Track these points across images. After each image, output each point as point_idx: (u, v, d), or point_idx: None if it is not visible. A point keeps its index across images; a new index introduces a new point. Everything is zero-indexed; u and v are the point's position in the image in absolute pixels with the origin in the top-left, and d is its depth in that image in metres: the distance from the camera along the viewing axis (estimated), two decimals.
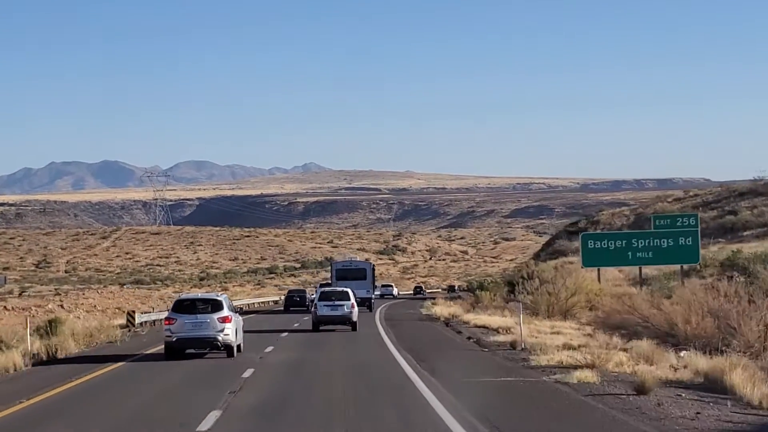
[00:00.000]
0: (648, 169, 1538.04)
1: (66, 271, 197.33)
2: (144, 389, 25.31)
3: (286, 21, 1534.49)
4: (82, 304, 77.22)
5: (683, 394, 21.96)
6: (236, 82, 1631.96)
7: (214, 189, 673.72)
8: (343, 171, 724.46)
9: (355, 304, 47.47)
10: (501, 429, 17.71)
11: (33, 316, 54.28)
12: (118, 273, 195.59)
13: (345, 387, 24.21)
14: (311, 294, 75.31)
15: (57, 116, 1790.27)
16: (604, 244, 48.74)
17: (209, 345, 33.55)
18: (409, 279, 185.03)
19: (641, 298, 36.54)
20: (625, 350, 28.53)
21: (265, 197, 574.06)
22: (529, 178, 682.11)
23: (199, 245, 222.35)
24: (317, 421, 18.80)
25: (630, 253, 49.22)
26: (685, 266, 53.92)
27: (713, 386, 22.81)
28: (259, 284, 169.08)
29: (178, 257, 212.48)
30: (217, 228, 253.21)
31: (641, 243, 49.04)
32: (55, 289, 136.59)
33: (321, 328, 46.69)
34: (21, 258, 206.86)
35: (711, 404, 20.62)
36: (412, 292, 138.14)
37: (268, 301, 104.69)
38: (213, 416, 19.23)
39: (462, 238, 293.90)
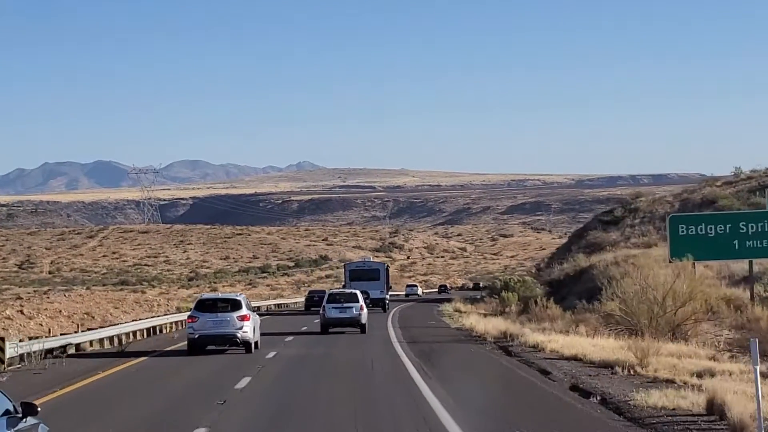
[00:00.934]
0: (643, 165, 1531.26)
1: (50, 272, 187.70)
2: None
3: (279, 19, 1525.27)
4: (46, 309, 67.62)
5: None
6: (229, 81, 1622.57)
7: (208, 188, 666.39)
8: (337, 169, 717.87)
9: (364, 306, 46.65)
10: None
11: None
12: (104, 274, 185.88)
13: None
14: None
15: (50, 116, 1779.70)
16: (702, 230, 35.84)
17: (229, 341, 35.57)
18: (408, 277, 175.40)
19: None
20: None
21: (259, 196, 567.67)
22: (524, 174, 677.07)
23: (189, 244, 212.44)
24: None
25: (737, 242, 36.90)
26: None
27: None
28: (250, 284, 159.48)
29: (167, 257, 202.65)
30: (208, 226, 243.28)
31: (753, 228, 36.18)
32: (34, 291, 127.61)
33: (330, 330, 45.94)
34: (3, 259, 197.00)
35: None
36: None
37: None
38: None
39: (459, 235, 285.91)
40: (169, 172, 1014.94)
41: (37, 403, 12.91)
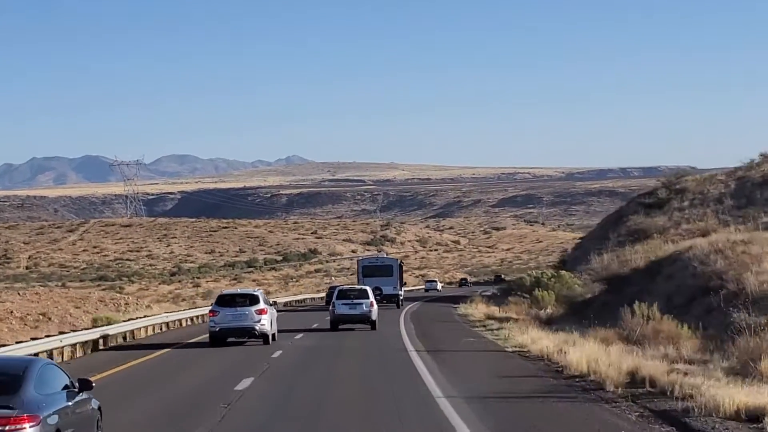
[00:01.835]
0: (633, 157, 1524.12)
1: (27, 267, 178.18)
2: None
3: (268, 16, 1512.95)
4: None
5: None
6: (218, 76, 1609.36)
7: (196, 182, 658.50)
8: (326, 163, 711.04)
9: (375, 302, 45.72)
10: None
11: None
12: (83, 269, 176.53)
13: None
14: None
15: (38, 112, 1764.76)
16: None
17: (248, 334, 37.24)
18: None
19: None
20: None
21: (248, 190, 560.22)
22: (514, 168, 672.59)
23: (173, 238, 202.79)
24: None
25: None
26: None
27: None
28: (235, 279, 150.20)
29: (149, 251, 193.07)
30: (193, 219, 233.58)
31: None
32: (5, 288, 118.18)
33: (340, 327, 45.11)
34: None
35: None
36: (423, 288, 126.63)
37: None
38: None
39: (451, 228, 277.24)
40: (157, 166, 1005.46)
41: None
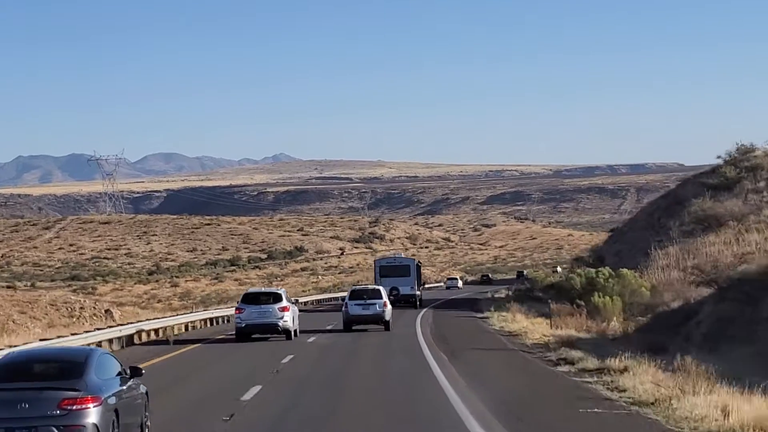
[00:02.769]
0: (620, 155, 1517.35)
1: None
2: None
3: (254, 13, 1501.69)
4: None
5: None
6: (205, 74, 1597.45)
7: (182, 180, 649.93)
8: (313, 161, 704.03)
9: (388, 302, 44.98)
10: None
11: None
12: (58, 267, 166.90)
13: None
14: None
15: (23, 110, 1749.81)
16: None
17: (272, 330, 39.58)
18: None
19: None
20: None
21: (234, 188, 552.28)
22: (501, 165, 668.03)
23: (153, 235, 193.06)
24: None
25: None
26: None
27: None
28: (216, 278, 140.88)
29: (128, 249, 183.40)
30: (174, 216, 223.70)
31: None
32: None
33: (353, 327, 44.61)
34: None
35: None
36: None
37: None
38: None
39: (440, 225, 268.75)
40: (143, 165, 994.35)
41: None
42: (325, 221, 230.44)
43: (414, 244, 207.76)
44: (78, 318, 56.78)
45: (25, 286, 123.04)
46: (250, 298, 40.20)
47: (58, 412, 14.39)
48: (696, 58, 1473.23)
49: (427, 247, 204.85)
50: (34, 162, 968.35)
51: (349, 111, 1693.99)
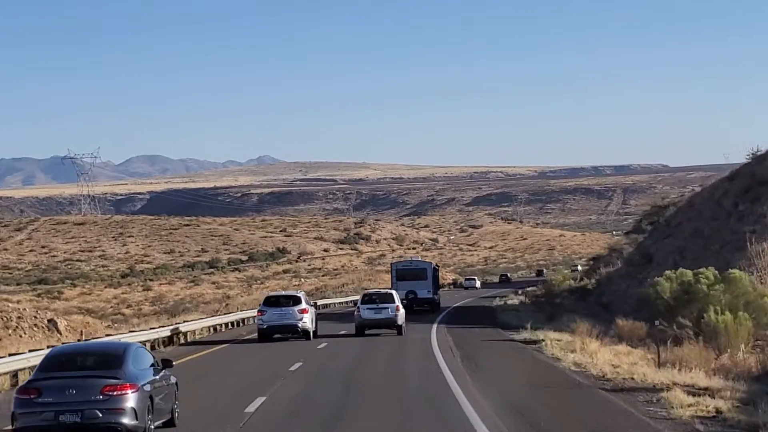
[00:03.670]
0: (605, 156, 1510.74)
1: None
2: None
3: (237, 15, 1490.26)
4: None
5: None
6: (188, 76, 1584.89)
7: (166, 182, 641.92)
8: (298, 163, 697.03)
9: (401, 306, 43.73)
10: None
11: None
12: (28, 270, 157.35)
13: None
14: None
15: (5, 113, 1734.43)
16: None
17: (292, 330, 41.53)
18: (376, 271, 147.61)
19: None
20: None
21: (218, 190, 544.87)
22: (486, 167, 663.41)
23: (129, 237, 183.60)
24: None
25: None
26: None
27: None
28: (193, 281, 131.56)
29: (103, 250, 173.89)
30: (152, 217, 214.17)
31: None
32: None
33: (366, 332, 43.60)
34: None
35: None
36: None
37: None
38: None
39: (426, 226, 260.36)
40: (127, 167, 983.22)
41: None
42: (309, 222, 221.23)
43: (401, 245, 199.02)
44: (15, 330, 47.86)
45: None
46: (272, 301, 42.07)
47: (101, 397, 16.27)
48: (679, 60, 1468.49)
49: (414, 248, 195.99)
50: (16, 165, 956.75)
51: (334, 113, 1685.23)
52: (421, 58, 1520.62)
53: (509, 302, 61.90)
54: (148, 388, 16.94)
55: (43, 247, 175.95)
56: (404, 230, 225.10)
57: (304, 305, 41.62)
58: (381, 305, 43.08)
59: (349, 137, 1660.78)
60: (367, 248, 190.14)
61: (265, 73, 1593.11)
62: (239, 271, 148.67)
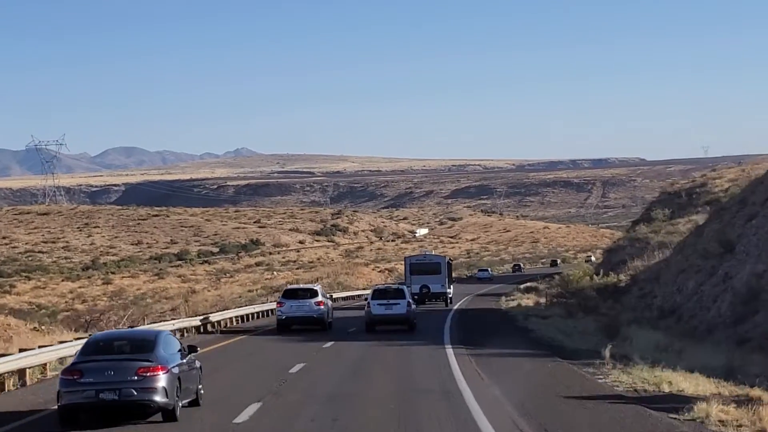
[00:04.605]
0: (583, 149, 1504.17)
1: None
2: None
3: (214, 9, 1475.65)
4: None
5: None
6: (165, 69, 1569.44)
7: (142, 174, 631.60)
8: (275, 155, 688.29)
9: (412, 302, 42.79)
10: None
11: None
12: None
13: None
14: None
15: None
16: None
17: (309, 322, 43.33)
18: (354, 264, 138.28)
19: None
20: None
21: (195, 182, 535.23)
22: (464, 160, 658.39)
23: (95, 227, 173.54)
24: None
25: None
26: None
27: None
28: (158, 275, 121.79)
29: (67, 242, 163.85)
30: (119, 207, 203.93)
31: None
32: None
33: (376, 328, 42.08)
34: None
35: None
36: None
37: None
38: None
39: (405, 218, 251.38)
40: (103, 159, 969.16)
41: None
42: (284, 213, 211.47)
43: (379, 237, 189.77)
44: None
45: None
46: (290, 294, 44.22)
47: (135, 377, 18.07)
48: (655, 54, 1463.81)
49: (393, 241, 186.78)
50: None
51: (312, 106, 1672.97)
52: (399, 50, 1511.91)
53: (523, 302, 51.18)
54: (176, 370, 18.68)
55: (3, 238, 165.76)
56: (383, 222, 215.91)
57: (320, 297, 43.65)
58: (392, 301, 41.84)
59: (327, 130, 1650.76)
60: (345, 240, 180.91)
61: (243, 66, 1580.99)
62: (209, 263, 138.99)
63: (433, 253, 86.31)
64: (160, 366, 18.06)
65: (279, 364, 27.95)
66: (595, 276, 44.81)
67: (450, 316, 50.03)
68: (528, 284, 73.88)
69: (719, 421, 16.61)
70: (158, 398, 17.94)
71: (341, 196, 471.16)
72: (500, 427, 17.08)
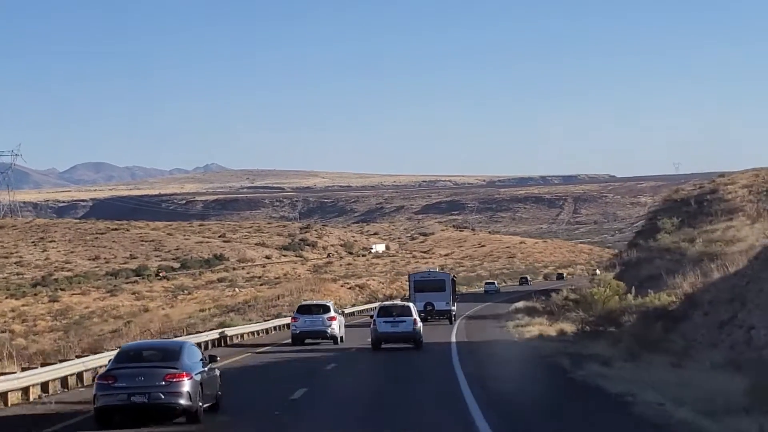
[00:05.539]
0: (552, 165, 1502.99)
1: None
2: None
3: (184, 23, 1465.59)
4: None
5: None
6: (134, 83, 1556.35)
7: (110, 189, 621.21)
8: (245, 170, 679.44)
9: (418, 319, 41.90)
10: None
11: None
12: None
13: None
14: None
15: None
16: None
17: (321, 336, 45.59)
18: (321, 279, 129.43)
19: None
20: None
21: (163, 197, 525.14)
22: (435, 175, 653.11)
23: (50, 241, 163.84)
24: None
25: None
26: None
27: None
28: (110, 292, 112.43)
29: (21, 256, 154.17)
30: (77, 220, 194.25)
31: None
32: None
33: (382, 346, 41.44)
34: None
35: None
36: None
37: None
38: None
39: (375, 233, 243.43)
40: (72, 174, 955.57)
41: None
42: (251, 227, 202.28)
43: (350, 252, 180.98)
44: None
45: None
46: (304, 309, 46.68)
47: (163, 383, 19.89)
48: (626, 71, 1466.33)
49: (364, 255, 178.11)
50: None
51: (283, 122, 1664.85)
52: (368, 66, 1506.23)
53: (543, 330, 39.81)
54: (198, 377, 20.58)
55: None
56: (353, 236, 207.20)
57: (332, 313, 45.86)
58: (398, 318, 41.27)
59: (297, 146, 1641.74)
60: (313, 255, 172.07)
61: (213, 81, 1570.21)
62: (168, 279, 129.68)
63: (437, 270, 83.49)
64: (184, 373, 20.04)
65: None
66: (629, 295, 34.42)
67: (456, 359, 35.31)
68: (524, 302, 64.70)
69: None
70: (183, 401, 19.86)
71: (311, 212, 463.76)
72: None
